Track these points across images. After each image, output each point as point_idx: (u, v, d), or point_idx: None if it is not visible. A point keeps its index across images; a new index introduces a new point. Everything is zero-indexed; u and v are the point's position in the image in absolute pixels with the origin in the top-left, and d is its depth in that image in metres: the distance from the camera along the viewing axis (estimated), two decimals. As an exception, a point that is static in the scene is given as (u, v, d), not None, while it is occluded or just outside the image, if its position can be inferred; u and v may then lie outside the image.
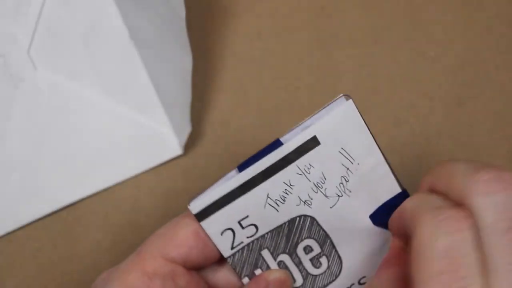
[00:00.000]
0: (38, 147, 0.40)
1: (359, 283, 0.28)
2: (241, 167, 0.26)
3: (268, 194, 0.26)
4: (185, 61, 0.41)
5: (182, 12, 0.41)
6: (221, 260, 0.28)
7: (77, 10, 0.39)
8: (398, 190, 0.27)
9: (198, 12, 0.45)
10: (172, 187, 0.40)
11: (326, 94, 0.42)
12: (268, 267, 0.27)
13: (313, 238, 0.27)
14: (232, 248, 0.27)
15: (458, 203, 0.22)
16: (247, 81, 0.43)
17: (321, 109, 0.26)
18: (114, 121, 0.40)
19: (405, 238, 0.25)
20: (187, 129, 0.40)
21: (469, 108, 0.41)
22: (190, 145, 0.41)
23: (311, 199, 0.26)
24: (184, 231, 0.26)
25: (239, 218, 0.26)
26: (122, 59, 0.39)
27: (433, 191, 0.24)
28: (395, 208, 0.26)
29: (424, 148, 0.40)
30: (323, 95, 0.42)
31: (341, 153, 0.26)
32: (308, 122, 0.26)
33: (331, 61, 0.43)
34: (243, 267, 0.27)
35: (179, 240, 0.26)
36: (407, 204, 0.24)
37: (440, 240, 0.21)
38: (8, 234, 0.40)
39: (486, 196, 0.22)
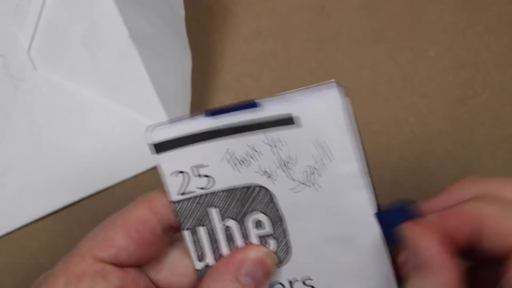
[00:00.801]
0: (38, 147, 0.40)
1: (304, 283, 0.26)
2: (209, 113, 0.24)
3: (232, 150, 0.24)
4: (184, 60, 0.41)
5: (182, 12, 0.41)
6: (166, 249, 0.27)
7: (77, 10, 0.39)
8: (370, 211, 0.24)
9: (198, 12, 0.45)
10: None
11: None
12: (212, 228, 0.25)
13: (267, 215, 0.25)
14: (181, 194, 0.25)
15: None
16: (247, 81, 0.43)
17: (310, 87, 0.24)
18: (114, 120, 0.40)
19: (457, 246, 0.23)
20: (187, 129, 0.40)
21: (469, 108, 0.41)
22: (190, 145, 0.41)
23: (277, 175, 0.24)
24: (115, 232, 0.26)
25: (196, 164, 0.25)
26: (122, 59, 0.39)
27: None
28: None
29: (424, 148, 0.40)
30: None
31: (316, 145, 0.24)
32: (291, 96, 0.24)
33: (331, 61, 0.43)
34: (186, 218, 0.25)
35: (109, 241, 0.25)
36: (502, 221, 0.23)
37: None
38: (8, 234, 0.40)
39: None
